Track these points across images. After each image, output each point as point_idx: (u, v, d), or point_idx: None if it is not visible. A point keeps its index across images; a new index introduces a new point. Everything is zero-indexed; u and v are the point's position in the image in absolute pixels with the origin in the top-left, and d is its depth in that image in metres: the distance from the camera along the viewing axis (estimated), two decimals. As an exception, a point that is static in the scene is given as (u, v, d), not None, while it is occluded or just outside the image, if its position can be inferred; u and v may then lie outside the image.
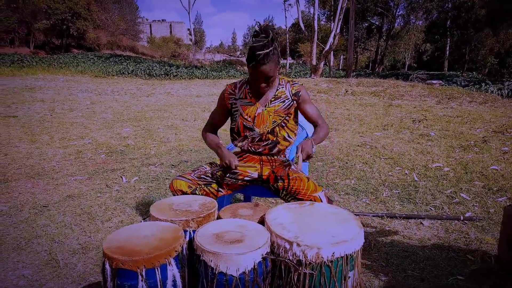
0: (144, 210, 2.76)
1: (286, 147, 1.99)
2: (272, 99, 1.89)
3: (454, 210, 2.78)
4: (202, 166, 1.95)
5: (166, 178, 3.48)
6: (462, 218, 2.57)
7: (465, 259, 2.07)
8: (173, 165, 3.90)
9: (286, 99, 1.90)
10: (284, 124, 1.92)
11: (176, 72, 17.91)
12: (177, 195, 1.80)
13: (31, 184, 3.27)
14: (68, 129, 5.62)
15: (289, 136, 1.96)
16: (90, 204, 2.84)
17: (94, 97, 9.66)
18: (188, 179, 1.83)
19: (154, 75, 17.05)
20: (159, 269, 1.24)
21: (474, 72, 23.94)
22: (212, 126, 2.06)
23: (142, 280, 1.21)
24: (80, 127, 5.80)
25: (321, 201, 1.71)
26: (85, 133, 5.35)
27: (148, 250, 1.25)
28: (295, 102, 1.91)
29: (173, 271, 1.28)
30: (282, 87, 1.91)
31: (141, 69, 18.13)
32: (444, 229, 2.46)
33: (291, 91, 1.91)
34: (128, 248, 1.26)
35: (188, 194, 1.80)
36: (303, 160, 1.72)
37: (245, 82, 1.95)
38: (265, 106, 1.89)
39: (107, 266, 1.23)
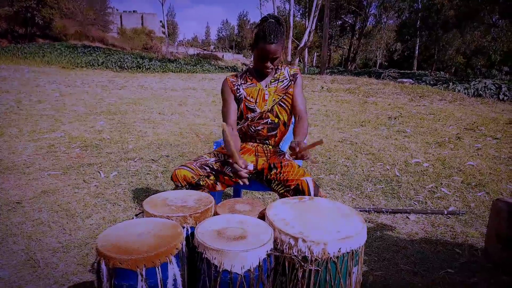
0: (126, 206, 2.64)
1: (283, 134, 1.99)
2: (272, 80, 1.94)
3: (437, 205, 2.84)
4: (202, 156, 1.89)
5: (147, 173, 3.36)
6: (446, 212, 2.63)
7: (453, 253, 2.11)
8: (153, 159, 3.77)
9: (285, 79, 1.95)
10: (283, 104, 1.93)
11: (148, 65, 17.50)
12: (181, 184, 1.74)
13: (1, 179, 3.07)
14: (37, 121, 5.34)
15: (286, 124, 1.98)
16: (68, 200, 2.69)
17: (63, 88, 9.25)
18: (191, 168, 1.77)
19: (126, 67, 16.57)
20: (159, 268, 1.16)
21: (442, 72, 24.83)
22: (228, 123, 1.89)
23: (142, 280, 1.14)
24: (50, 119, 5.52)
25: (308, 186, 1.69)
26: (57, 126, 5.10)
27: (147, 248, 1.17)
28: (292, 82, 1.95)
29: (174, 270, 1.21)
30: (281, 70, 1.97)
31: (111, 61, 17.58)
32: (430, 223, 2.50)
33: (289, 72, 1.97)
34: (125, 246, 1.18)
35: (192, 184, 1.73)
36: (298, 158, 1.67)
37: (244, 72, 1.98)
38: (266, 87, 1.93)
39: (103, 266, 1.14)
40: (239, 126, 1.98)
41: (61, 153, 3.88)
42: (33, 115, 5.77)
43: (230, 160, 1.74)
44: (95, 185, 3.01)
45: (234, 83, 1.94)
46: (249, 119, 1.93)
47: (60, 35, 29.57)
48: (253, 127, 1.94)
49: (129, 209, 2.59)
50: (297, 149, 1.62)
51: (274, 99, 1.92)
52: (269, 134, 1.95)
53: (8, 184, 2.96)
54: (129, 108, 6.85)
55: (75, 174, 3.26)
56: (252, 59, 1.97)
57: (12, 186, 2.93)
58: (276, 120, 1.93)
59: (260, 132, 1.93)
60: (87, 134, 4.71)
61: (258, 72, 1.93)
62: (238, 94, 1.93)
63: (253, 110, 1.91)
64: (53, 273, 1.80)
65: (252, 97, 1.91)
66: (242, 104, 1.93)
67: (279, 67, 1.96)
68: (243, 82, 1.95)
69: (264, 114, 1.91)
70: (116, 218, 2.44)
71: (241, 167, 1.63)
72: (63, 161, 3.61)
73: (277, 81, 1.94)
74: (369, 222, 2.50)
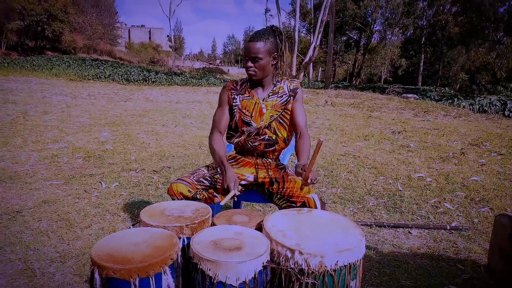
0: (126, 217, 2.63)
1: (282, 149, 1.96)
2: (270, 94, 1.88)
3: (439, 220, 2.80)
4: (200, 168, 1.87)
5: (149, 184, 3.35)
6: (448, 227, 2.59)
7: (455, 268, 2.06)
8: (155, 170, 3.77)
9: (284, 94, 1.89)
10: (281, 120, 1.88)
11: (155, 78, 17.68)
12: (178, 199, 1.72)
13: (2, 188, 3.08)
14: (42, 132, 5.38)
15: (287, 140, 1.94)
16: (68, 210, 2.69)
17: (69, 100, 9.35)
18: (188, 182, 1.75)
19: (132, 80, 16.75)
20: (153, 278, 1.15)
21: (446, 88, 24.83)
22: (218, 130, 1.92)
23: (135, 291, 1.12)
24: (55, 130, 5.57)
25: (315, 203, 1.67)
26: (61, 137, 5.13)
27: (142, 258, 1.16)
28: (291, 97, 1.88)
29: (168, 280, 1.20)
30: (281, 83, 1.91)
31: (118, 73, 17.80)
32: (432, 238, 2.46)
33: (289, 86, 1.90)
34: (120, 256, 1.17)
35: (189, 198, 1.72)
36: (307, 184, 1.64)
37: (246, 81, 1.94)
38: (263, 100, 1.87)
39: (97, 275, 1.13)
40: (236, 140, 1.94)
41: (64, 163, 3.90)
42: (38, 125, 5.82)
43: (221, 168, 1.76)
44: (95, 195, 3.01)
45: (232, 90, 1.92)
46: (246, 133, 1.88)
47: (68, 48, 30.08)
48: (250, 143, 1.90)
49: (129, 220, 2.57)
50: (304, 174, 1.57)
51: (272, 115, 1.86)
52: (266, 149, 1.91)
53: (9, 193, 2.96)
54: (134, 120, 6.90)
55: (77, 184, 3.27)
56: None
57: (14, 195, 2.94)
58: (274, 137, 1.88)
59: (257, 147, 1.91)
60: (90, 145, 4.73)
61: (256, 84, 1.89)
62: (233, 103, 1.90)
63: (248, 124, 1.86)
64: (49, 283, 1.79)
65: (247, 110, 1.87)
66: (237, 115, 1.88)
67: (279, 79, 1.91)
68: (241, 92, 1.91)
69: (261, 131, 1.86)
70: (115, 229, 2.43)
71: (228, 178, 1.70)
72: (66, 171, 3.62)
73: (276, 95, 1.88)
74: (370, 236, 2.47)
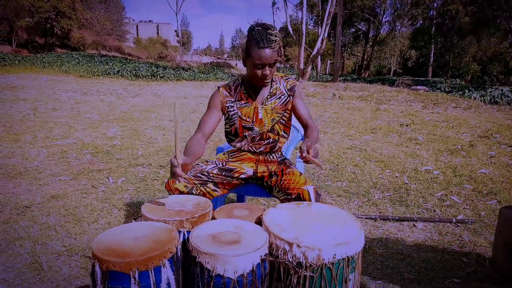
0: (132, 211, 2.67)
1: (284, 142, 1.97)
2: (268, 97, 1.85)
3: (446, 213, 2.78)
4: (198, 164, 1.89)
5: (155, 179, 3.39)
6: (454, 220, 2.57)
7: (460, 262, 2.05)
8: (161, 165, 3.81)
9: (282, 95, 1.86)
10: (283, 121, 1.89)
11: (163, 73, 17.74)
12: (174, 194, 1.73)
13: (13, 184, 3.14)
14: (51, 128, 5.46)
15: (285, 132, 1.94)
16: (75, 205, 2.74)
17: (78, 97, 9.45)
18: (184, 178, 1.76)
19: (141, 76, 16.84)
20: (153, 271, 1.17)
21: (457, 79, 24.46)
22: (201, 132, 1.79)
23: (135, 283, 1.14)
24: (64, 126, 5.64)
25: (309, 195, 1.66)
26: (70, 133, 5.21)
27: (141, 252, 1.18)
28: (291, 97, 1.87)
29: (167, 273, 1.22)
30: (277, 84, 1.87)
31: (127, 69, 17.89)
32: (437, 231, 2.45)
33: (286, 86, 1.87)
34: (120, 250, 1.19)
35: (185, 193, 1.73)
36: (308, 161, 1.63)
37: (239, 84, 1.89)
38: (262, 104, 1.84)
39: (97, 268, 1.16)
40: (237, 144, 1.92)
41: (73, 159, 3.96)
42: (48, 122, 5.91)
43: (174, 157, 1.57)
44: (102, 191, 3.05)
45: (226, 98, 1.85)
46: (248, 138, 1.87)
47: (78, 45, 30.33)
48: (255, 148, 1.90)
49: (134, 214, 2.61)
50: (304, 154, 1.54)
51: (274, 118, 1.85)
52: (272, 150, 1.93)
53: (19, 189, 3.03)
54: (142, 116, 6.95)
55: (85, 180, 3.32)
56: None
57: (23, 190, 3.00)
58: (277, 137, 1.90)
59: (263, 151, 1.91)
60: (99, 141, 4.79)
61: (252, 86, 1.85)
62: (230, 112, 1.85)
63: (250, 129, 1.85)
64: (56, 276, 1.83)
65: (248, 117, 1.84)
66: (238, 123, 1.85)
67: (274, 79, 1.87)
68: (237, 99, 1.85)
69: (265, 135, 1.87)
70: (121, 223, 2.46)
71: (177, 162, 1.51)
72: (74, 167, 3.67)
73: (274, 97, 1.85)
74: (374, 229, 2.47)
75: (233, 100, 1.85)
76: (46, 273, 1.84)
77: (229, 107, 1.85)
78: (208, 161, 1.93)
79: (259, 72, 1.70)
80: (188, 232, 1.42)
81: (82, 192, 3.01)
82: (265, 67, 1.68)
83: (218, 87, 1.89)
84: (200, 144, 1.72)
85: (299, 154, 1.61)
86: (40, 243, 2.14)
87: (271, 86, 1.86)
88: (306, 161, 1.58)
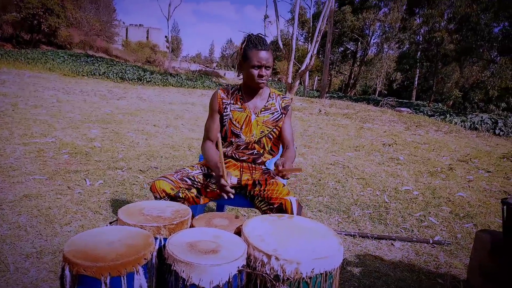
0: (108, 215, 2.59)
1: (268, 159, 1.97)
2: (263, 109, 1.88)
3: (423, 233, 2.80)
4: (185, 168, 1.86)
5: (134, 184, 3.32)
6: (431, 241, 2.60)
7: (435, 283, 2.06)
8: (141, 170, 3.74)
9: (276, 112, 1.90)
10: (271, 136, 1.90)
11: (150, 77, 17.60)
12: (160, 196, 1.70)
13: (-16, 180, 3.02)
14: (30, 126, 5.31)
15: (272, 150, 1.95)
16: (49, 206, 2.64)
17: (61, 95, 9.25)
18: (171, 180, 1.74)
19: (127, 78, 16.64)
20: (125, 277, 1.13)
21: (440, 103, 25.13)
22: (209, 138, 1.91)
23: (105, 290, 1.10)
24: (43, 124, 5.49)
25: (292, 205, 1.66)
26: (49, 132, 5.07)
27: (115, 257, 1.13)
28: (283, 115, 1.90)
29: (140, 280, 1.17)
30: (273, 100, 1.91)
31: (113, 71, 17.67)
32: (414, 251, 2.46)
33: (281, 104, 1.91)
34: (92, 253, 1.14)
35: (172, 196, 1.70)
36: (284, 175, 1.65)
37: (237, 89, 1.92)
38: (256, 115, 1.86)
39: (67, 271, 1.11)
40: (224, 149, 1.93)
41: (49, 158, 3.85)
42: (27, 119, 5.74)
43: (214, 174, 1.73)
44: (78, 192, 2.96)
45: (224, 100, 1.89)
46: (233, 145, 1.88)
47: (64, 43, 29.82)
48: (238, 156, 1.91)
49: (110, 218, 2.54)
50: (280, 168, 1.59)
51: (263, 131, 1.87)
52: (254, 162, 1.94)
53: (-10, 186, 2.91)
54: (125, 119, 6.85)
55: (61, 180, 3.22)
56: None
57: (-5, 187, 2.88)
58: (262, 151, 1.91)
59: (246, 160, 1.92)
60: (78, 141, 4.68)
61: (248, 94, 1.88)
62: (224, 113, 1.88)
63: (237, 136, 1.87)
64: (23, 278, 1.74)
65: (238, 122, 1.86)
66: (228, 125, 1.87)
67: (270, 95, 1.91)
68: (232, 101, 1.88)
69: (250, 145, 1.88)
70: (96, 227, 2.38)
71: (227, 182, 1.63)
72: (50, 166, 3.56)
73: (268, 111, 1.88)
74: (353, 246, 2.46)
75: (228, 102, 1.88)
76: (12, 275, 1.76)
77: (225, 108, 1.88)
78: (193, 166, 1.90)
79: (256, 72, 1.75)
80: (165, 239, 1.38)
81: (56, 193, 2.91)
82: (262, 68, 1.74)
83: (217, 90, 1.93)
84: (215, 151, 1.84)
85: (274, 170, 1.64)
86: (8, 243, 2.05)
87: (267, 101, 1.89)
88: (283, 176, 1.60)
